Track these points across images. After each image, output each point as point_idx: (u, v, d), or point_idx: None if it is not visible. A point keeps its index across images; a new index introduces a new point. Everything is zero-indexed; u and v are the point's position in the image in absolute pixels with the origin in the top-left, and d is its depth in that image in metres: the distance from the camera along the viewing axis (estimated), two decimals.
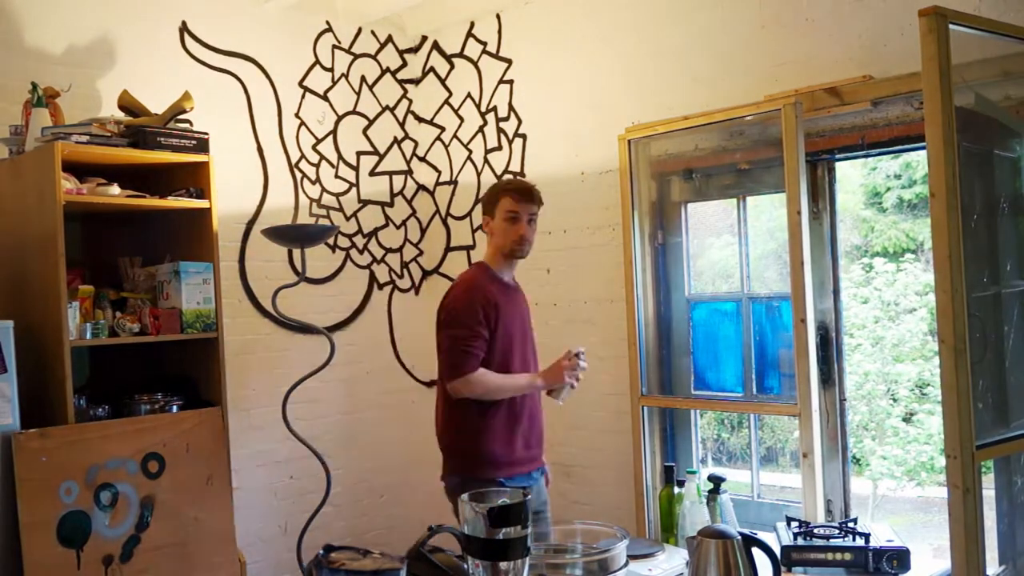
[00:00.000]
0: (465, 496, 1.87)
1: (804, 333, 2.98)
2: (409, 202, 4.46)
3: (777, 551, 2.30)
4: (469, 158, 4.28)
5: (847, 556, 2.49)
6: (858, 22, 2.99)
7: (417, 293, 4.48)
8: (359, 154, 4.27)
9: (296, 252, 3.94)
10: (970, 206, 2.35)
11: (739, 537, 2.09)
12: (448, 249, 4.40)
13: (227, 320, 3.51)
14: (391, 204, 4.39)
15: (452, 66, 4.34)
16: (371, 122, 4.32)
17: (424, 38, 4.45)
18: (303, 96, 4.05)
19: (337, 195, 4.16)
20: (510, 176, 4.09)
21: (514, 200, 2.96)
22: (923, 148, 2.35)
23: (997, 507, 2.72)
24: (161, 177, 3.23)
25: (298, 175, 4.02)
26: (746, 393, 3.34)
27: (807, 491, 2.98)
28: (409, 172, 4.47)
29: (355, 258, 4.23)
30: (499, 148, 4.15)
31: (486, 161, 4.20)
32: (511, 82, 4.09)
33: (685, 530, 2.72)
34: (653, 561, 2.57)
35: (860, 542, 2.54)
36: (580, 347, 2.98)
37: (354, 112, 4.25)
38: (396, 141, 4.42)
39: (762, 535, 2.29)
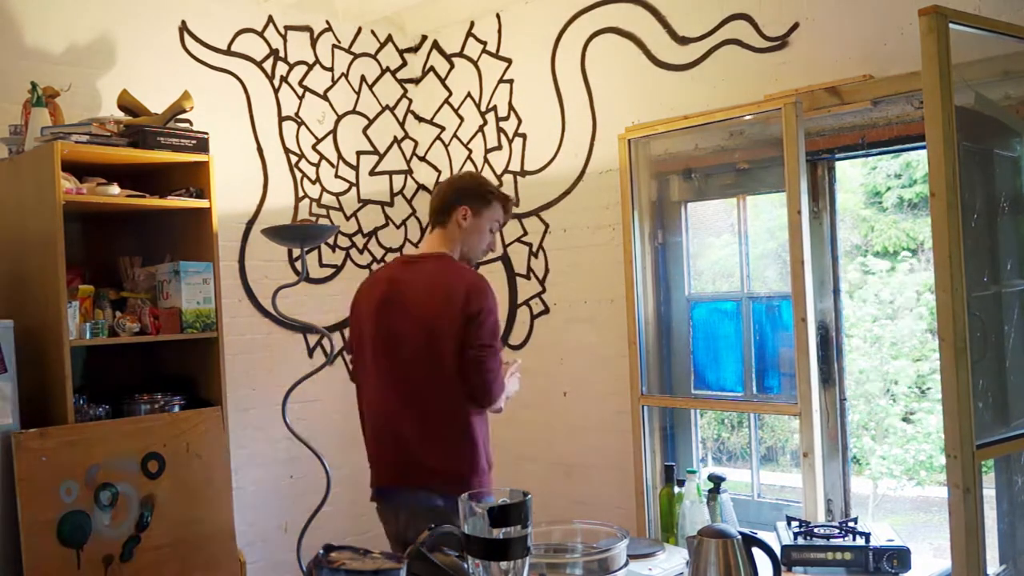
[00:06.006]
0: (465, 495, 1.87)
1: (804, 332, 2.98)
2: (409, 202, 4.46)
3: (777, 551, 2.30)
4: (469, 158, 4.28)
5: (847, 556, 2.49)
6: (858, 22, 2.99)
7: None
8: (359, 154, 4.27)
9: (296, 252, 3.94)
10: (970, 205, 2.35)
11: (739, 537, 2.09)
12: None
13: (227, 320, 3.51)
14: (391, 204, 4.39)
15: (452, 66, 4.34)
16: (371, 122, 4.31)
17: (424, 38, 4.45)
18: (303, 96, 4.05)
19: (337, 195, 4.16)
20: (510, 175, 4.10)
21: (505, 213, 2.81)
22: (923, 147, 2.36)
23: (997, 507, 2.72)
24: (161, 177, 3.23)
25: (298, 175, 4.02)
26: (746, 392, 3.34)
27: (807, 491, 2.98)
28: (409, 172, 4.47)
29: (355, 258, 4.23)
30: (499, 148, 4.15)
31: (486, 161, 4.20)
32: (511, 82, 4.09)
33: (685, 530, 2.72)
34: (653, 561, 2.58)
35: (860, 541, 2.54)
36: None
37: (354, 112, 4.25)
38: (396, 141, 4.42)
39: (762, 535, 2.29)
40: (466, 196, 2.74)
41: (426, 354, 2.55)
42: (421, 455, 2.55)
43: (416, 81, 4.48)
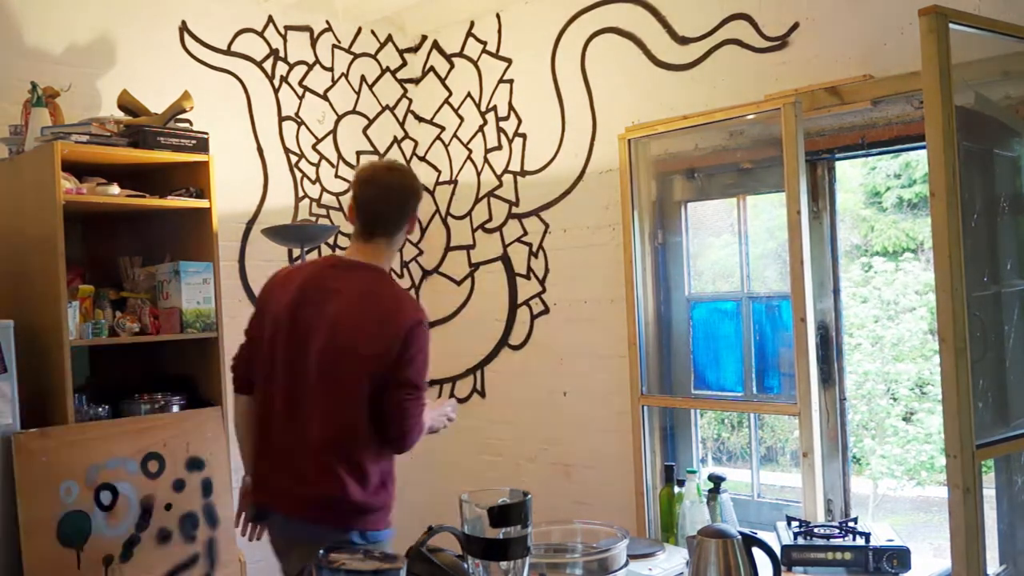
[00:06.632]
0: (465, 495, 1.87)
1: (804, 332, 2.98)
2: None
3: (777, 551, 2.30)
4: (469, 158, 4.28)
5: (847, 556, 2.50)
6: (858, 22, 2.99)
7: (417, 293, 4.47)
8: (359, 154, 4.27)
9: (296, 252, 3.94)
10: (970, 205, 2.35)
11: (739, 537, 2.09)
12: (448, 249, 4.40)
13: (227, 320, 3.50)
14: None
15: (452, 66, 4.34)
16: (371, 122, 4.31)
17: (424, 37, 4.45)
18: (303, 96, 4.05)
19: (337, 195, 4.16)
20: (510, 175, 4.10)
21: None
22: (923, 147, 2.36)
23: (997, 507, 2.73)
24: (161, 177, 3.23)
25: (298, 175, 4.02)
26: (746, 393, 3.34)
27: (807, 491, 2.98)
28: None
29: None
30: (499, 148, 4.15)
31: (486, 161, 4.20)
32: (511, 82, 4.09)
33: (685, 529, 2.72)
34: (653, 561, 2.58)
35: (860, 541, 2.54)
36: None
37: (354, 112, 4.25)
38: (396, 141, 4.42)
39: (762, 535, 2.29)
40: (417, 202, 2.41)
41: (336, 374, 2.26)
42: (313, 483, 2.27)
43: (416, 81, 4.48)
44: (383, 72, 4.38)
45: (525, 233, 4.06)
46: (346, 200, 4.17)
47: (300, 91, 4.04)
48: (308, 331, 2.29)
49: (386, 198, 2.36)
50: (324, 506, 2.26)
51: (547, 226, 3.97)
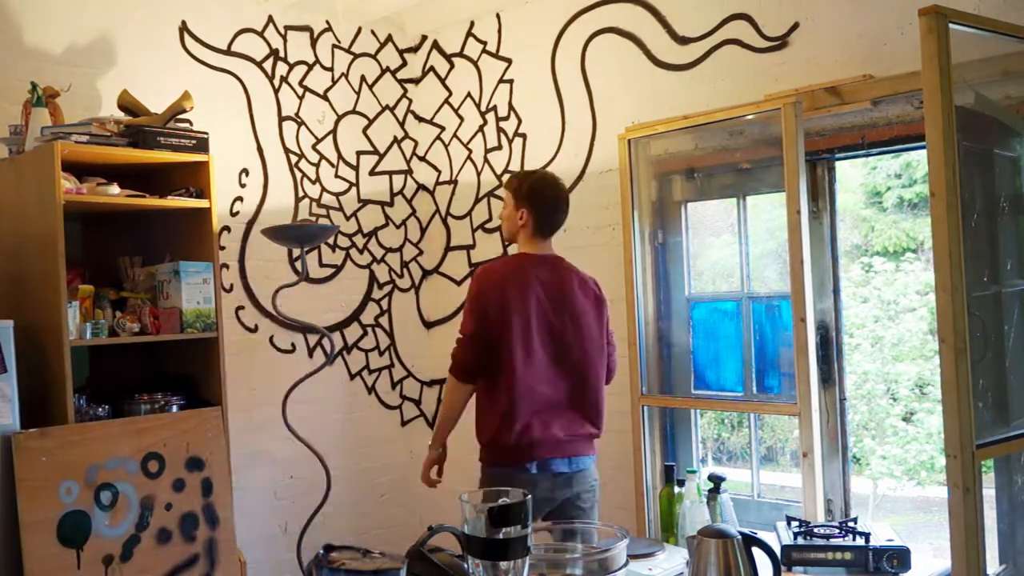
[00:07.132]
0: (465, 495, 1.87)
1: (804, 332, 2.98)
2: (409, 202, 4.46)
3: (777, 551, 2.30)
4: (469, 158, 4.28)
5: (847, 555, 2.49)
6: (858, 22, 2.99)
7: (417, 293, 4.48)
8: (359, 154, 4.27)
9: (296, 252, 3.94)
10: (970, 205, 2.36)
11: (739, 537, 2.09)
12: (448, 249, 4.40)
13: (227, 320, 3.52)
14: (391, 204, 4.39)
15: (452, 66, 4.34)
16: (371, 122, 4.32)
17: (424, 38, 4.45)
18: (303, 96, 4.05)
19: (337, 195, 4.17)
20: (509, 175, 4.09)
21: None
22: (923, 147, 2.36)
23: (997, 506, 2.73)
24: (161, 177, 3.23)
25: (298, 175, 4.02)
26: (746, 392, 3.34)
27: (807, 490, 2.98)
28: (409, 172, 4.47)
29: (355, 258, 4.23)
30: (499, 148, 4.15)
31: (486, 161, 4.20)
32: (511, 82, 4.09)
33: (685, 529, 2.72)
34: (653, 561, 2.58)
35: (860, 541, 2.54)
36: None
37: (354, 112, 4.25)
38: (396, 141, 4.42)
39: (762, 535, 2.29)
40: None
41: (591, 344, 2.95)
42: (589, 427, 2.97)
43: (416, 81, 4.49)
44: (383, 72, 4.38)
45: None
46: (346, 200, 4.19)
47: (300, 91, 4.04)
48: (564, 318, 2.91)
49: (565, 208, 3.01)
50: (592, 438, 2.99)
51: None
